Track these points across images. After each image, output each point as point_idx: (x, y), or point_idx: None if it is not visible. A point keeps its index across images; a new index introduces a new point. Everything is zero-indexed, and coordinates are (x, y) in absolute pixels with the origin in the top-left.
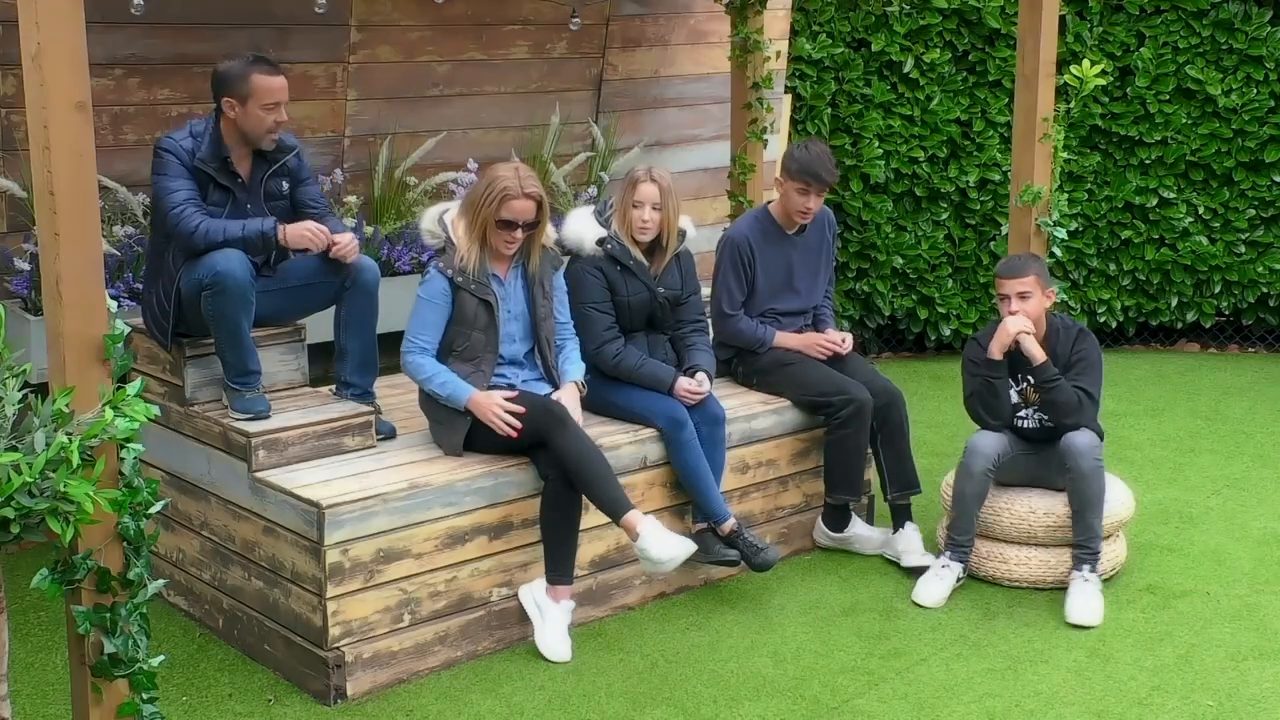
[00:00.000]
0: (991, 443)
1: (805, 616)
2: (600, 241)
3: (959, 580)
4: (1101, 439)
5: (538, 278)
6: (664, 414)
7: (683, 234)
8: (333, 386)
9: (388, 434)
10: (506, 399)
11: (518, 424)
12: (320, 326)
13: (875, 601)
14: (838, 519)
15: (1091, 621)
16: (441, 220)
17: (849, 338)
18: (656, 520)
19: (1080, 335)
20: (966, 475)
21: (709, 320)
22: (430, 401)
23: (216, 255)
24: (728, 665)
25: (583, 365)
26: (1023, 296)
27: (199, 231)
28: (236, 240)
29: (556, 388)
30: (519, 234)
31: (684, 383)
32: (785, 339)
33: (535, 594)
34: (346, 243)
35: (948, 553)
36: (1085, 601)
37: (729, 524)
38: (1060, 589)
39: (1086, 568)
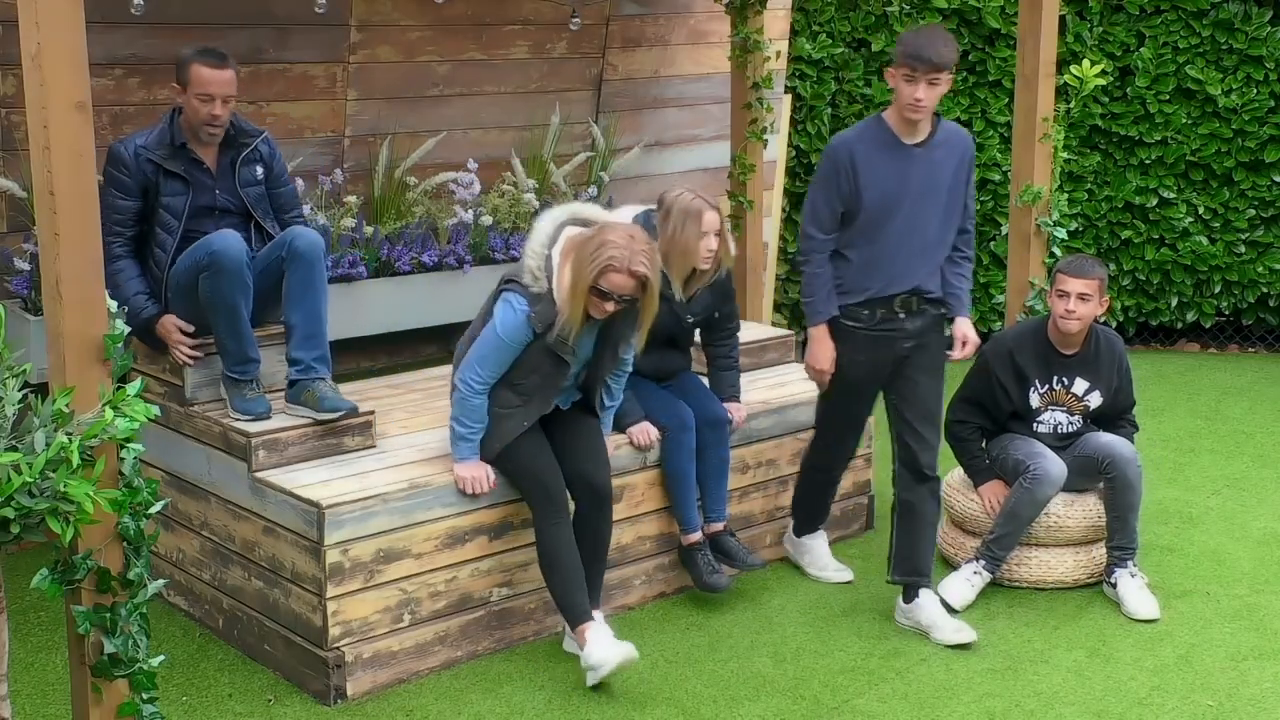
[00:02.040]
0: (1059, 470)
1: (805, 616)
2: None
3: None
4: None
5: (615, 341)
6: (673, 415)
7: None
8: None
9: (348, 411)
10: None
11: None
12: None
13: (875, 601)
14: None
15: (1154, 614)
16: (549, 261)
17: (969, 336)
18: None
19: (1123, 352)
20: (1030, 502)
21: (738, 331)
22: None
23: (213, 236)
24: (728, 665)
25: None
26: (1083, 298)
27: (108, 270)
28: (121, 299)
29: (590, 404)
30: (611, 307)
31: (633, 432)
32: (822, 348)
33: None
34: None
35: (982, 562)
36: (1144, 596)
37: (694, 536)
38: (1060, 589)
39: (1131, 563)
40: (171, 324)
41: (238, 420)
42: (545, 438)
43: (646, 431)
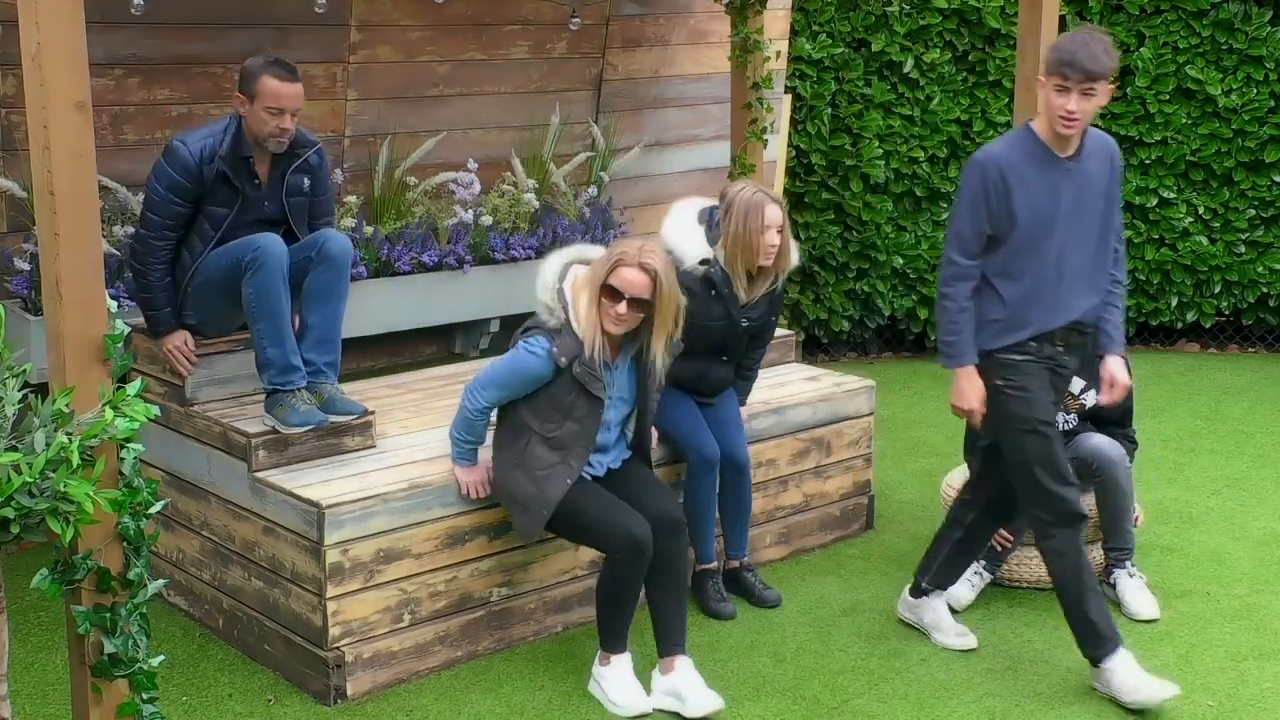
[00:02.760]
0: None
1: (805, 616)
2: (704, 262)
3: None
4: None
5: (652, 368)
6: (700, 451)
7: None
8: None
9: (360, 414)
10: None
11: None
12: None
13: (875, 601)
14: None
15: (1154, 614)
16: (561, 293)
17: (1119, 378)
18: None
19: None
20: None
21: (767, 349)
22: (510, 482)
23: (256, 236)
24: (728, 665)
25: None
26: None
27: (143, 268)
28: (150, 308)
29: (643, 454)
30: (623, 309)
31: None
32: (971, 387)
33: (594, 674)
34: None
35: (983, 563)
36: (1145, 596)
37: (708, 565)
38: None
39: (1128, 564)
40: (175, 344)
41: (238, 420)
42: (600, 488)
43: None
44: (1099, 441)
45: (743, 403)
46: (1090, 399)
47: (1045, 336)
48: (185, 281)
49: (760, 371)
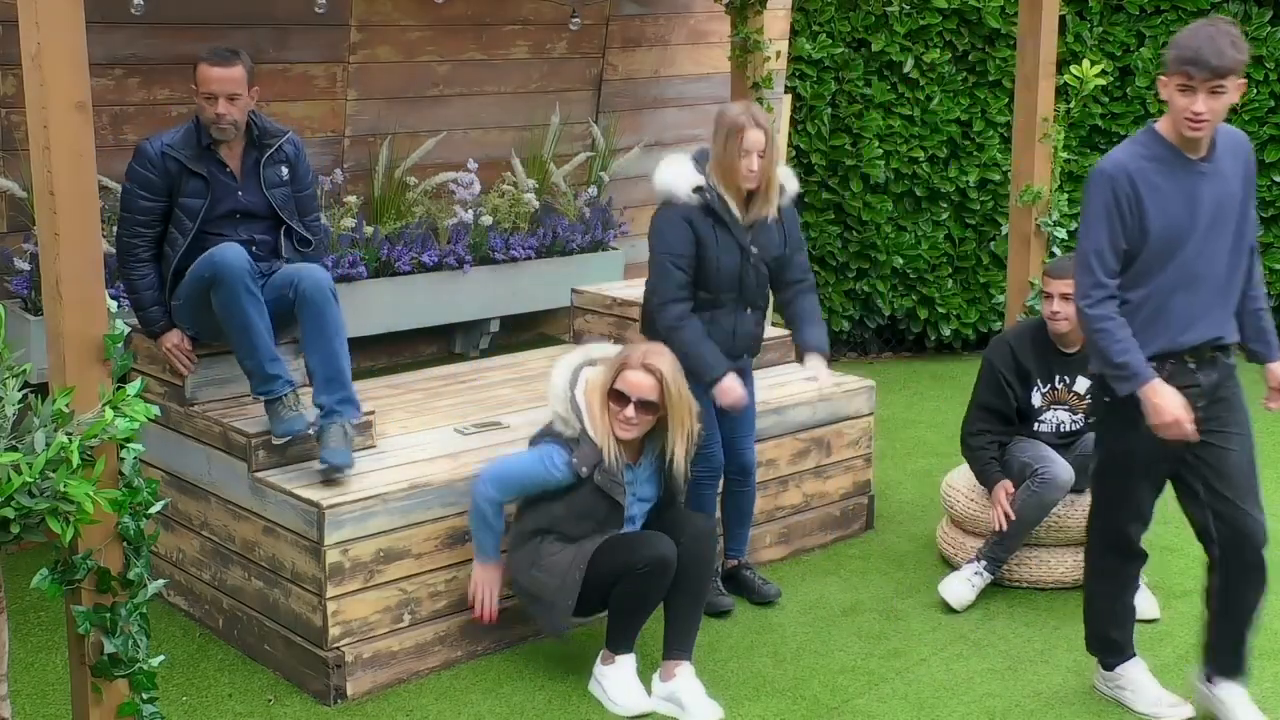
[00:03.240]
0: (1067, 475)
1: (805, 616)
2: (696, 190)
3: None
4: None
5: (676, 474)
6: (708, 460)
7: (782, 189)
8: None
9: (341, 467)
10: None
11: (492, 612)
12: None
13: (875, 601)
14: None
15: (1155, 614)
16: (575, 402)
17: None
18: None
19: None
20: (1037, 505)
21: (812, 279)
22: (529, 579)
23: (214, 249)
24: (728, 665)
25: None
26: (1065, 298)
27: (125, 269)
28: (137, 306)
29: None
30: (631, 413)
31: (726, 384)
32: (1167, 400)
33: (596, 672)
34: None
35: (984, 563)
36: (1147, 596)
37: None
38: (1060, 589)
39: None
40: (172, 343)
41: (238, 421)
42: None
43: (728, 399)
44: None
45: (820, 344)
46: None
47: (1173, 354)
48: (170, 286)
49: (761, 371)
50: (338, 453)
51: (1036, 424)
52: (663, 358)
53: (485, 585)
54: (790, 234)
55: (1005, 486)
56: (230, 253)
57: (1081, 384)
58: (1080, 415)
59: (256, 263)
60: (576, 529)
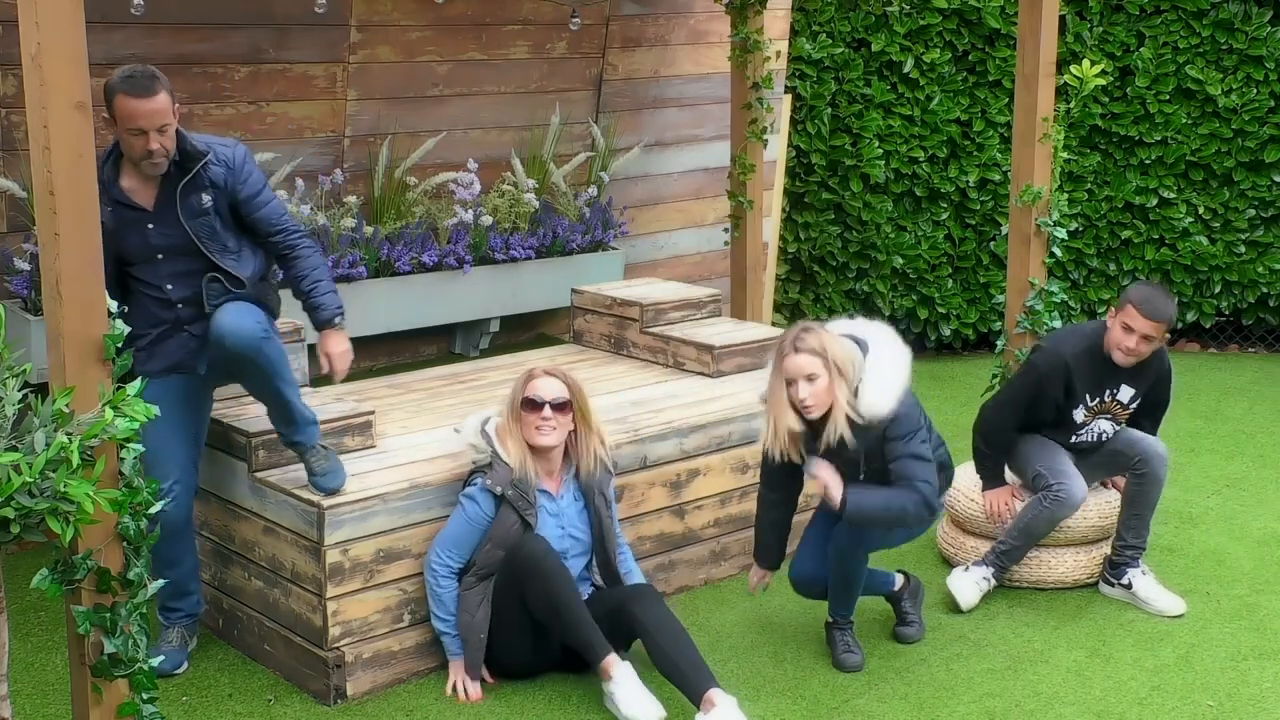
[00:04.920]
0: (1081, 494)
1: (805, 617)
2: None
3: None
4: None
5: (595, 489)
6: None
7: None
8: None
9: (329, 490)
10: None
11: (476, 694)
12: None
13: (875, 601)
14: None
15: (1183, 608)
16: (484, 432)
17: None
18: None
19: (1164, 354)
20: (1048, 520)
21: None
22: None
23: (219, 318)
24: (728, 665)
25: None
26: (1147, 340)
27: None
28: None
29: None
30: (547, 413)
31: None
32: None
33: (605, 692)
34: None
35: (992, 570)
36: (1169, 593)
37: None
38: (1060, 589)
39: (1143, 563)
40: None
41: (238, 421)
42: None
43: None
44: (1140, 435)
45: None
46: (1135, 405)
47: None
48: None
49: (760, 372)
50: (328, 475)
51: (1075, 437)
52: (563, 370)
53: (456, 674)
54: (890, 437)
55: (1009, 494)
56: (237, 315)
57: (1125, 392)
58: (1121, 424)
59: (188, 307)
60: (492, 558)
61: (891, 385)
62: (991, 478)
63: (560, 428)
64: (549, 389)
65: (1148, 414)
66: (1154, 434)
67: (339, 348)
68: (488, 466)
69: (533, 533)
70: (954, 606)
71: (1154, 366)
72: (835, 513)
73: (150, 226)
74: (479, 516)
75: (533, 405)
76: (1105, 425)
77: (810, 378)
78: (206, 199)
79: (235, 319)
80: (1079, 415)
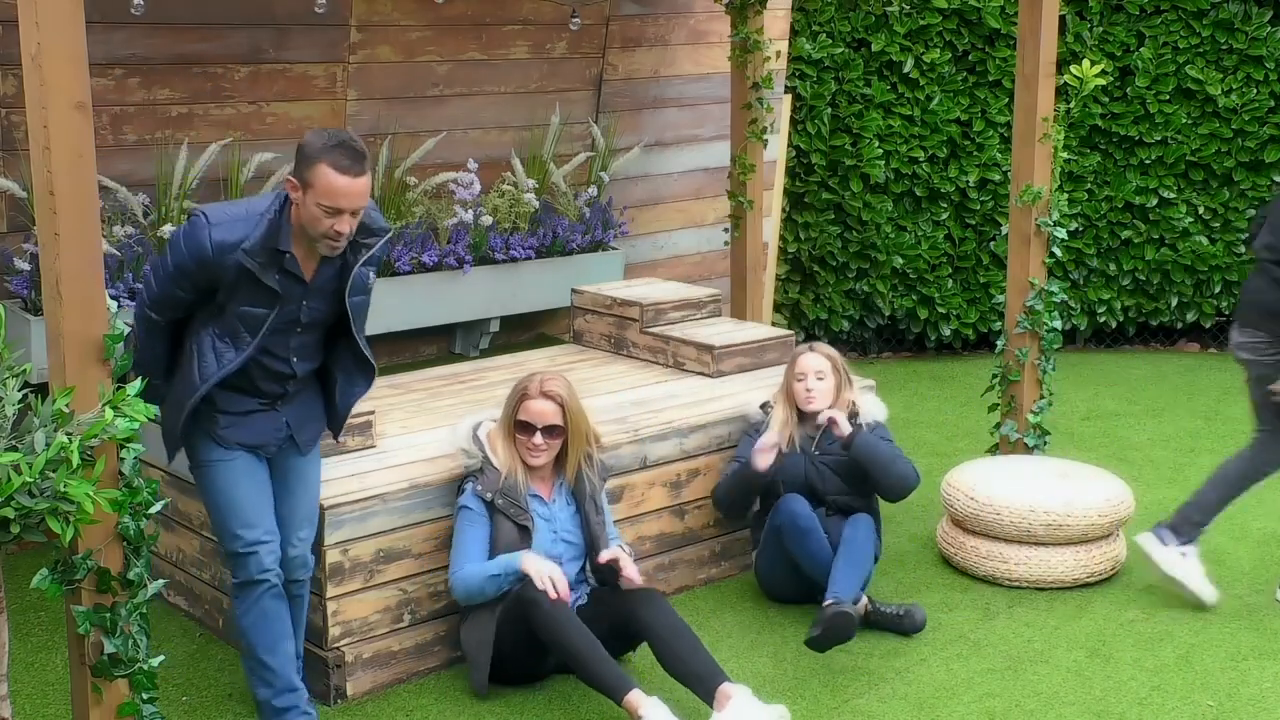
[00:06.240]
0: None
1: (805, 617)
2: (763, 405)
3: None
4: None
5: (587, 494)
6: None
7: (856, 415)
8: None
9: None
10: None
11: (563, 593)
12: None
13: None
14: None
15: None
16: (477, 437)
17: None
18: (748, 690)
19: None
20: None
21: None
22: (461, 636)
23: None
24: (728, 665)
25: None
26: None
27: (138, 336)
28: (138, 368)
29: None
30: (539, 440)
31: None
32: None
33: None
34: None
35: (1183, 539)
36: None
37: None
38: (1060, 589)
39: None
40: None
41: None
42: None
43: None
44: None
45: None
46: None
47: None
48: (185, 411)
49: (761, 372)
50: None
51: None
52: (559, 382)
53: (541, 574)
54: (855, 448)
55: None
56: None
57: None
58: None
59: (297, 383)
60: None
61: (879, 403)
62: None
63: (551, 449)
64: (542, 413)
65: None
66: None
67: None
68: (479, 472)
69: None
70: (1203, 604)
71: None
72: (841, 443)
73: (305, 302)
74: (479, 519)
75: (526, 428)
76: None
77: (820, 375)
78: (373, 276)
79: (307, 546)
80: None
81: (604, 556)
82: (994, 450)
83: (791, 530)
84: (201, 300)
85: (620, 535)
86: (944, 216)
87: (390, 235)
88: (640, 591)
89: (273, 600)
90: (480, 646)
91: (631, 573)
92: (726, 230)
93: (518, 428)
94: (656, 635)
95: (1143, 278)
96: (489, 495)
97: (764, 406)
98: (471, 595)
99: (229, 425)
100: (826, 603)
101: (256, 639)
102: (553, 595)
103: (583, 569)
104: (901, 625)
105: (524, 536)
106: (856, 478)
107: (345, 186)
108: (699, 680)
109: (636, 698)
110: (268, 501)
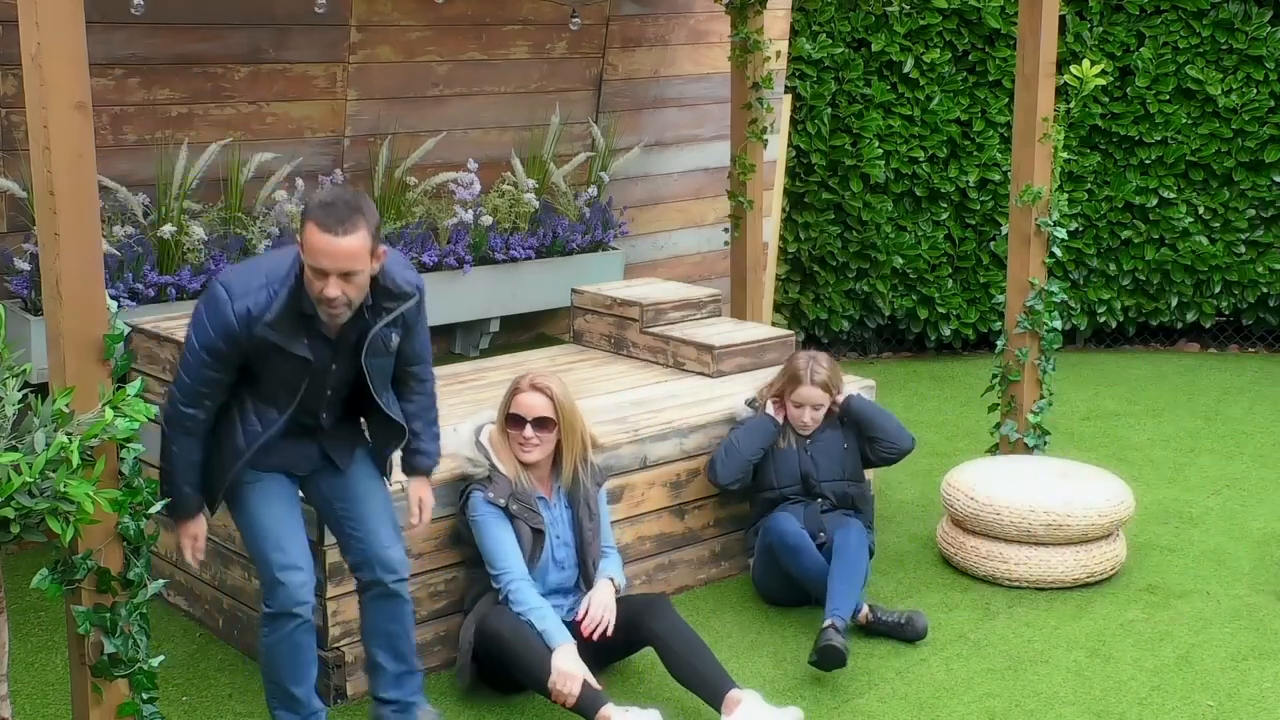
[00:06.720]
0: None
1: (805, 617)
2: (749, 402)
3: None
4: None
5: (581, 499)
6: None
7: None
8: None
9: None
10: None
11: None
12: None
13: (875, 600)
14: None
15: None
16: (480, 444)
17: None
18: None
19: None
20: None
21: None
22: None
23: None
24: (728, 665)
25: (622, 572)
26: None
27: (169, 435)
28: (162, 477)
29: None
30: (529, 433)
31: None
32: None
33: None
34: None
35: None
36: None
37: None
38: (1060, 589)
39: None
40: (193, 532)
41: None
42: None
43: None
44: None
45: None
46: None
47: None
48: (225, 472)
49: (760, 372)
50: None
51: None
52: (550, 377)
53: (567, 676)
54: (845, 438)
55: None
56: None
57: None
58: None
59: (307, 432)
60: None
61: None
62: None
63: (544, 444)
64: (531, 406)
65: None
66: None
67: (430, 498)
68: (487, 480)
69: (500, 607)
70: None
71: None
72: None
73: (334, 368)
74: (503, 520)
75: (516, 421)
76: None
77: (818, 407)
78: (395, 338)
79: (400, 551)
80: None
81: (579, 611)
82: (994, 450)
83: (782, 549)
84: (239, 377)
85: (615, 543)
86: (944, 216)
87: (418, 298)
88: (645, 597)
89: (305, 635)
90: (466, 647)
91: (588, 625)
92: (726, 230)
93: (509, 421)
94: (663, 642)
95: (1143, 278)
96: (502, 501)
97: (750, 403)
98: (532, 617)
99: (260, 452)
100: (825, 623)
101: (284, 671)
102: (568, 705)
103: (578, 578)
104: (903, 633)
105: (537, 540)
106: (850, 457)
107: (324, 245)
108: (708, 686)
109: (610, 711)
110: (298, 526)
